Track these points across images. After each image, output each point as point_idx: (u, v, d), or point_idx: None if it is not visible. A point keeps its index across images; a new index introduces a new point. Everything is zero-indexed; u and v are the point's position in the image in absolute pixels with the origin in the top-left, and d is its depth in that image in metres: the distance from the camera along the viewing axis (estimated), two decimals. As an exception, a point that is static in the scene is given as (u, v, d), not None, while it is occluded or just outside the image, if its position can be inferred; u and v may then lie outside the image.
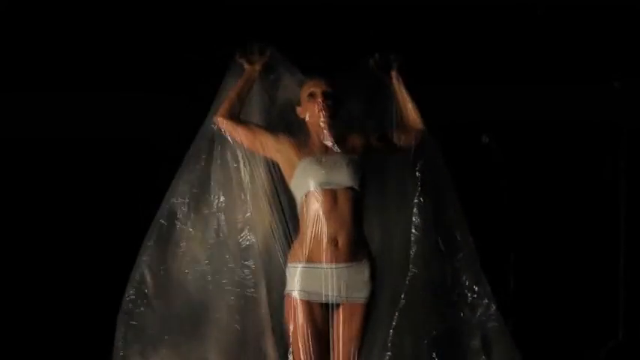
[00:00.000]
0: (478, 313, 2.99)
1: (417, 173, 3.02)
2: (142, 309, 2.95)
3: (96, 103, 3.57)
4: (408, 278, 2.95)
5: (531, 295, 3.73)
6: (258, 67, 3.06)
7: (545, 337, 3.73)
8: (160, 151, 3.48)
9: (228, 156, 3.02)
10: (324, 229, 2.86)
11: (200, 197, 3.01)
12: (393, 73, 3.11)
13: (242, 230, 2.99)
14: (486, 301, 2.99)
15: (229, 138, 3.00)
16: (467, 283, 3.01)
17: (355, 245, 2.90)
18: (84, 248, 3.59)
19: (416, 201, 3.00)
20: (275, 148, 2.98)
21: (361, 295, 2.89)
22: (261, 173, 3.03)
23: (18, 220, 3.56)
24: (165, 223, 2.99)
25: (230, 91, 3.03)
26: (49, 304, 3.57)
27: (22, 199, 3.56)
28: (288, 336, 2.89)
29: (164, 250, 2.98)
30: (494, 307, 2.98)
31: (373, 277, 2.92)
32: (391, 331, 2.89)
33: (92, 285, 3.54)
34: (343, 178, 2.89)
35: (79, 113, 3.56)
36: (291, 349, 2.87)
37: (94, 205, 3.62)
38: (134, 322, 2.94)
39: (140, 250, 2.99)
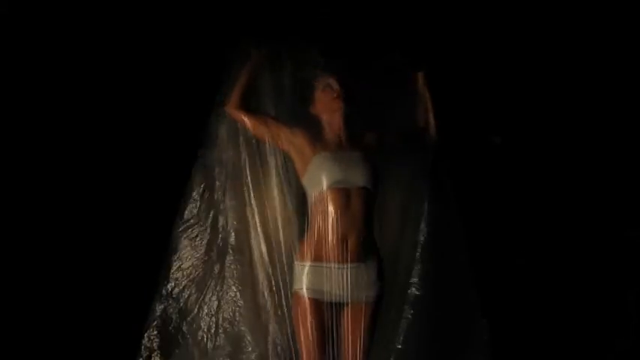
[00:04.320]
0: (465, 321, 3.06)
1: (426, 178, 3.06)
2: None
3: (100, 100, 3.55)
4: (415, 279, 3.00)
5: (540, 296, 3.70)
6: (264, 52, 3.03)
7: (554, 338, 3.71)
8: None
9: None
10: (335, 229, 2.84)
11: None
12: (421, 75, 3.12)
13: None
14: (475, 310, 3.06)
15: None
16: (458, 290, 3.07)
17: (364, 245, 2.88)
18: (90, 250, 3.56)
19: (425, 204, 3.04)
20: (288, 140, 2.96)
21: (370, 294, 2.88)
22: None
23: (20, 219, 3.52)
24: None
25: (238, 81, 3.01)
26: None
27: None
28: (296, 333, 2.88)
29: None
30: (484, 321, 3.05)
31: (381, 276, 2.90)
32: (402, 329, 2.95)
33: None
34: (358, 177, 2.87)
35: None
36: (299, 347, 2.86)
37: (98, 207, 3.56)
38: None
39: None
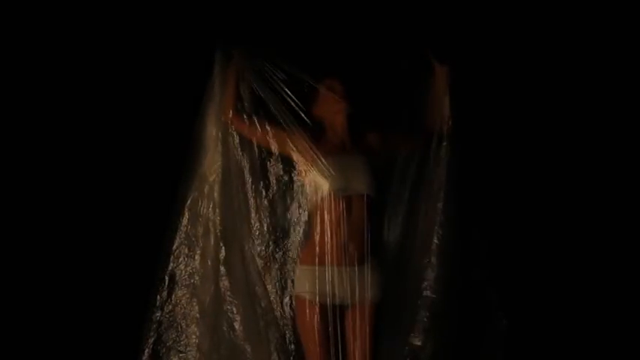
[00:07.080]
0: (484, 321, 3.05)
1: (441, 176, 3.02)
2: None
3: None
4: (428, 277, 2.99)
5: (558, 294, 3.66)
6: (244, 55, 2.96)
7: (571, 337, 3.66)
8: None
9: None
10: (337, 234, 2.84)
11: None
12: (446, 70, 3.01)
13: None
14: (493, 309, 3.04)
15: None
16: (475, 290, 3.04)
17: (366, 248, 2.88)
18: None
19: (439, 204, 3.00)
20: (289, 144, 2.93)
21: (372, 296, 2.88)
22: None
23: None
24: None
25: (226, 89, 2.97)
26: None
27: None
28: (300, 337, 2.89)
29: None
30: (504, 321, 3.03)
31: (382, 277, 2.91)
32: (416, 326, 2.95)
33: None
34: (359, 185, 2.87)
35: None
36: (303, 351, 2.86)
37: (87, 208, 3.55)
38: None
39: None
